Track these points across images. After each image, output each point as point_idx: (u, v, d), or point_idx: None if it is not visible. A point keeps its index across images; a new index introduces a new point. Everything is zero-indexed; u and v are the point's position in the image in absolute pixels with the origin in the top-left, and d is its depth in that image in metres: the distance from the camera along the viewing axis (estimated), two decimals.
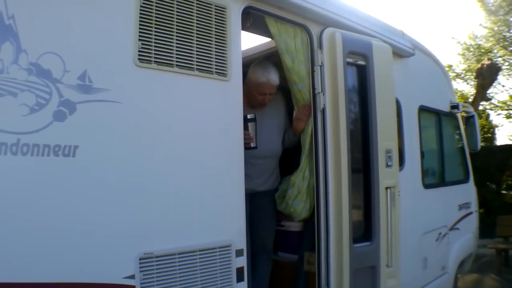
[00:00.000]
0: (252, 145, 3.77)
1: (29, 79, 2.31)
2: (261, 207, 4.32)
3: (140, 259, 2.67)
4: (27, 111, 2.30)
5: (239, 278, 3.17)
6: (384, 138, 4.12)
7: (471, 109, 7.27)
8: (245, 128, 3.57)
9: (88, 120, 2.50)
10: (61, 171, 2.40)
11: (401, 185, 4.43)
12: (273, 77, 4.05)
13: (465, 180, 7.05)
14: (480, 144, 7.14)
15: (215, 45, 3.12)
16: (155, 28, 2.81)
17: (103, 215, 2.55)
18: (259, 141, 3.87)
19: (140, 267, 2.67)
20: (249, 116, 3.70)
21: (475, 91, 16.32)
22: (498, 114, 22.46)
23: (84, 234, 2.47)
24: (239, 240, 3.21)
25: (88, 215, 2.49)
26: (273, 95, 4.20)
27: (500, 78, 20.91)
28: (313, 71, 3.86)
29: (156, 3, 2.83)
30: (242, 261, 3.21)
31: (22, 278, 2.26)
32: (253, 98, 4.11)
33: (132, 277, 2.63)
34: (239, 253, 3.18)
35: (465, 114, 7.13)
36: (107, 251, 2.56)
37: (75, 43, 2.50)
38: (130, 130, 2.69)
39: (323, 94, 3.80)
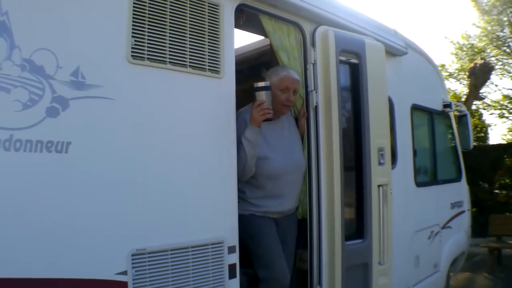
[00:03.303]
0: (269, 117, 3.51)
1: (22, 75, 2.31)
2: (287, 230, 3.95)
3: (133, 255, 2.67)
4: (20, 107, 2.30)
5: (232, 275, 3.18)
6: (377, 136, 4.14)
7: (463, 108, 7.29)
8: (257, 97, 3.51)
9: (81, 116, 2.50)
10: (54, 167, 2.40)
11: (394, 183, 4.45)
12: (293, 72, 3.80)
13: (457, 179, 7.08)
14: (472, 143, 7.16)
15: (208, 42, 3.13)
16: (148, 25, 2.81)
17: (95, 211, 2.55)
18: (288, 155, 3.78)
19: (133, 263, 2.67)
20: (262, 84, 3.52)
21: (468, 90, 16.36)
22: (491, 114, 22.58)
23: (76, 230, 2.47)
24: (232, 237, 3.21)
25: (81, 212, 2.49)
26: (296, 94, 3.86)
27: (493, 77, 21.04)
28: (306, 69, 3.88)
29: (150, 0, 2.84)
30: (234, 258, 3.22)
31: (14, 274, 2.26)
32: (277, 101, 3.71)
33: (125, 273, 2.63)
34: (231, 249, 3.19)
35: (457, 113, 7.15)
36: (100, 247, 2.56)
37: (68, 39, 2.50)
38: (123, 127, 2.69)
39: (316, 92, 3.82)
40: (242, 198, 3.61)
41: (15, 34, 2.31)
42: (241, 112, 3.65)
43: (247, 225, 3.50)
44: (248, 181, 3.67)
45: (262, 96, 3.48)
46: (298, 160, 3.87)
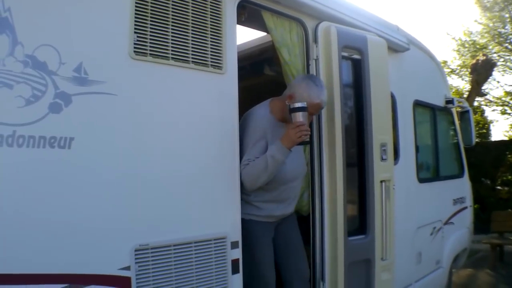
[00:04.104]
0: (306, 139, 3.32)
1: (25, 71, 2.32)
2: (288, 231, 3.88)
3: (136, 250, 2.68)
4: (23, 103, 2.30)
5: (234, 270, 3.19)
6: (379, 131, 4.14)
7: (466, 104, 7.28)
8: (295, 118, 3.28)
9: (84, 112, 2.51)
10: (57, 163, 2.41)
11: (396, 179, 4.45)
12: (325, 99, 3.57)
13: (459, 175, 7.07)
14: (475, 139, 7.15)
15: (211, 38, 3.13)
16: (151, 21, 2.82)
17: (98, 207, 2.56)
18: (297, 160, 3.69)
19: (136, 259, 2.68)
20: (299, 104, 3.30)
21: (470, 87, 16.34)
22: (493, 110, 22.49)
23: (79, 226, 2.48)
24: (234, 232, 3.22)
25: (84, 207, 2.50)
26: None
27: (495, 74, 20.98)
28: (308, 65, 3.88)
29: None
30: (237, 253, 3.23)
31: (18, 270, 2.27)
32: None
33: (128, 268, 2.64)
34: (234, 245, 3.20)
35: (460, 109, 7.13)
36: (103, 243, 2.57)
37: (71, 35, 2.51)
38: (126, 123, 2.70)
39: None
40: (244, 200, 3.46)
41: (18, 30, 2.31)
42: (255, 116, 3.55)
43: (244, 230, 3.37)
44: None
45: (299, 117, 3.28)
46: (303, 166, 3.83)
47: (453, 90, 20.36)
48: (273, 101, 3.67)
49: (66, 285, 2.40)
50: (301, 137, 3.25)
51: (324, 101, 3.52)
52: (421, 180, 5.64)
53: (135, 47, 2.74)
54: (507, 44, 21.94)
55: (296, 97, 3.41)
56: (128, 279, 2.64)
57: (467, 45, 22.74)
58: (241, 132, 3.42)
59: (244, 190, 3.42)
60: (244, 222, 3.40)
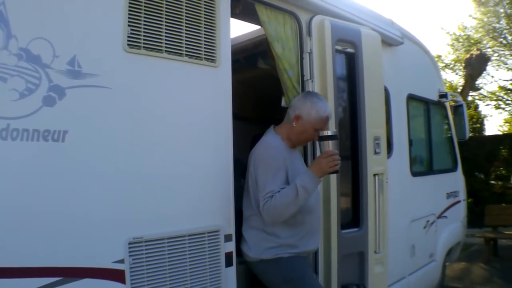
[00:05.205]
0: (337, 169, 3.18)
1: (19, 65, 2.32)
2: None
3: (130, 243, 2.69)
4: (17, 96, 2.30)
5: (228, 263, 3.20)
6: (373, 125, 4.16)
7: (459, 98, 7.32)
8: (325, 147, 3.16)
9: (78, 105, 2.51)
10: (51, 156, 2.41)
11: (389, 173, 4.47)
12: (330, 110, 3.45)
13: (453, 169, 7.11)
14: (468, 133, 7.17)
15: (204, 31, 3.13)
16: (144, 13, 2.82)
17: (92, 200, 2.56)
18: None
19: (130, 252, 2.68)
20: (329, 133, 3.19)
21: (464, 81, 16.36)
22: (487, 105, 22.55)
23: (73, 218, 2.48)
24: (228, 225, 3.23)
25: (78, 200, 2.51)
26: None
27: (490, 69, 21.03)
28: (302, 58, 3.88)
29: None
30: (231, 246, 3.24)
31: (11, 263, 2.27)
32: (305, 137, 3.41)
33: (122, 261, 2.65)
34: (228, 238, 3.21)
35: (453, 103, 7.16)
36: (97, 236, 2.57)
37: (64, 28, 2.50)
38: (119, 116, 2.70)
39: (312, 81, 3.83)
40: (275, 242, 3.28)
41: (12, 23, 2.31)
42: (270, 145, 3.33)
43: (289, 268, 3.25)
44: (282, 222, 3.25)
45: (329, 146, 3.16)
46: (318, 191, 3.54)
47: (447, 85, 20.40)
48: (278, 128, 3.47)
49: (59, 278, 2.40)
50: (333, 167, 3.12)
51: (330, 113, 3.41)
52: (415, 174, 5.66)
53: (128, 40, 2.74)
54: (501, 39, 21.98)
55: (304, 117, 3.30)
56: (122, 272, 2.64)
57: (461, 40, 22.77)
58: (256, 165, 3.25)
59: (269, 231, 3.27)
60: (284, 261, 3.28)
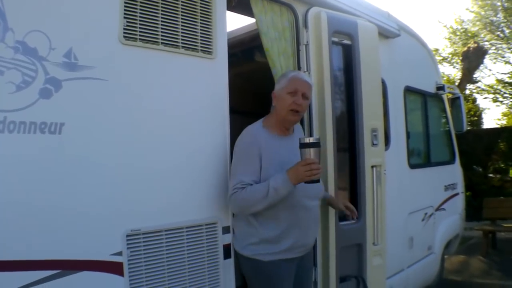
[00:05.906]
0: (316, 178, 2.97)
1: (16, 57, 2.32)
2: (309, 269, 3.60)
3: (127, 236, 2.69)
4: (14, 89, 2.30)
5: (226, 255, 3.21)
6: (370, 117, 4.16)
7: (456, 91, 7.31)
8: (305, 154, 2.94)
9: (74, 97, 2.51)
10: (48, 148, 2.41)
11: (387, 165, 4.47)
12: (304, 74, 3.38)
13: (451, 161, 7.11)
14: (466, 125, 7.17)
15: (201, 23, 3.13)
16: (140, 5, 2.82)
17: (89, 193, 2.57)
18: None
19: (128, 244, 2.69)
20: (311, 140, 2.99)
21: (461, 74, 16.37)
22: (485, 98, 22.58)
23: (71, 211, 2.48)
24: (226, 217, 3.24)
25: (75, 193, 2.51)
26: (307, 100, 3.30)
27: (487, 62, 21.06)
28: (298, 50, 3.87)
29: None
30: (229, 238, 3.25)
31: (10, 257, 2.28)
32: (283, 106, 3.22)
33: (120, 253, 2.66)
34: (225, 230, 3.22)
35: (451, 96, 7.16)
36: (95, 228, 2.58)
37: (60, 21, 2.50)
38: (116, 108, 2.70)
39: (309, 73, 3.81)
40: (256, 237, 3.17)
41: (8, 16, 2.31)
42: (247, 131, 3.27)
43: (265, 277, 3.17)
44: (259, 215, 3.14)
45: (310, 153, 2.94)
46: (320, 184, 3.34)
47: (445, 78, 20.40)
48: (266, 117, 3.38)
49: (58, 271, 2.41)
50: (311, 176, 2.92)
51: (301, 76, 3.30)
52: (412, 166, 5.67)
53: (125, 32, 2.74)
54: (498, 32, 22.00)
55: (277, 90, 3.28)
56: (120, 264, 2.65)
57: (458, 33, 22.80)
58: (234, 152, 3.20)
59: (253, 223, 3.16)
60: (260, 264, 3.17)
